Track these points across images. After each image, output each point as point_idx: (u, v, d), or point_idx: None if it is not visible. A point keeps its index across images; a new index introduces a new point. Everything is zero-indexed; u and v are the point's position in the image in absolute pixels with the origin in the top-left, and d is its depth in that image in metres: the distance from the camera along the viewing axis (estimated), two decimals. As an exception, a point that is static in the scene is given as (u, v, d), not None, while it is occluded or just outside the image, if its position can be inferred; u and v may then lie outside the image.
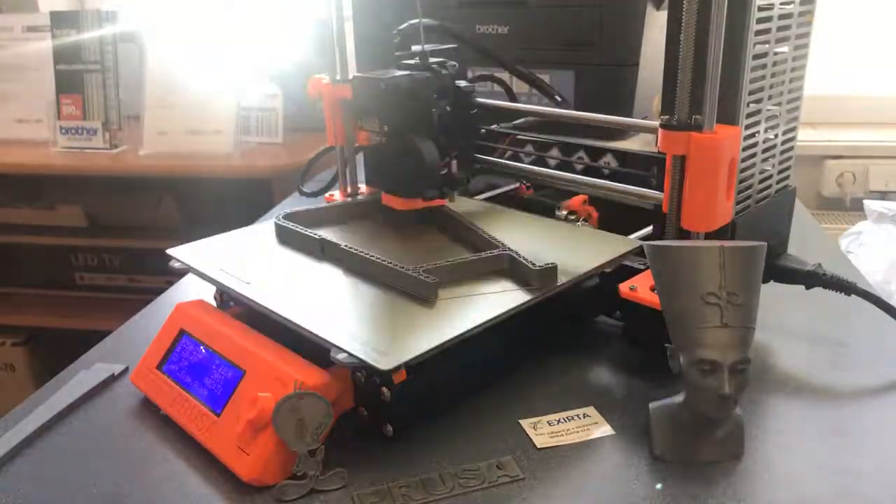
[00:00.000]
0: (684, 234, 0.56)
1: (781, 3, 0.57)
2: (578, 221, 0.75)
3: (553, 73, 0.88)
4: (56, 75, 1.49)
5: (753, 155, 0.60)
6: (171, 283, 0.80)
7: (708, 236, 0.56)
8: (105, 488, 0.48)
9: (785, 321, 0.66)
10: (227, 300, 0.64)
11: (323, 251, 0.63)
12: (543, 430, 0.52)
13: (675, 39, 0.54)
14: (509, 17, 0.89)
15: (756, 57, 0.55)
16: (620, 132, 0.80)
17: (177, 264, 0.63)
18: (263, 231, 0.69)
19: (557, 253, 0.59)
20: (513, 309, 0.53)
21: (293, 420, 0.46)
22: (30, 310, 1.62)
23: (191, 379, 0.55)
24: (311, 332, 0.51)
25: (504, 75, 0.84)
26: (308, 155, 0.87)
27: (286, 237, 0.66)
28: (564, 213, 0.75)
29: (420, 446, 0.51)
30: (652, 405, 0.51)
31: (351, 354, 0.47)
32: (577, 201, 0.77)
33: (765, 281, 0.61)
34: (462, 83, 0.69)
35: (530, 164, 0.74)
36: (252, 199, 1.30)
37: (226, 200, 1.39)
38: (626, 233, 0.65)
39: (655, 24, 0.85)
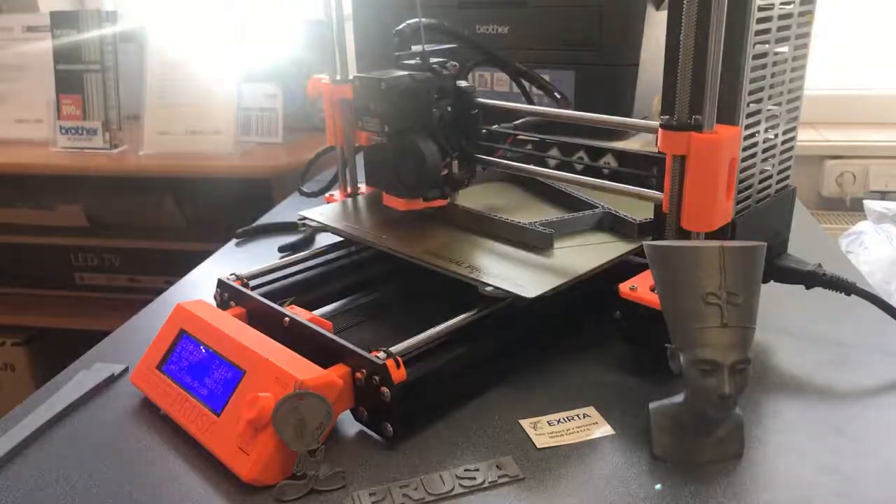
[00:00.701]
0: (684, 234, 0.56)
1: (781, 3, 0.57)
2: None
3: (553, 73, 0.88)
4: (56, 75, 1.49)
5: (753, 155, 0.59)
6: (171, 283, 0.80)
7: (708, 236, 0.55)
8: (105, 488, 0.48)
9: (785, 321, 0.66)
10: (228, 300, 0.64)
11: (436, 211, 0.68)
12: (543, 430, 0.52)
13: (675, 39, 0.54)
14: (509, 17, 0.89)
15: (756, 57, 0.55)
16: (620, 132, 0.80)
17: (312, 223, 0.71)
18: (375, 197, 0.76)
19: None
20: (622, 255, 0.61)
21: (293, 420, 0.47)
22: (30, 310, 1.62)
23: (191, 379, 0.55)
24: (453, 272, 0.57)
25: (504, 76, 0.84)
26: (308, 155, 0.87)
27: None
28: None
29: (420, 446, 0.51)
30: (652, 405, 0.51)
31: (497, 287, 0.54)
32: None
33: (765, 281, 0.61)
34: (463, 83, 0.69)
35: (530, 163, 0.74)
36: (252, 199, 1.30)
37: (226, 200, 1.39)
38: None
39: (655, 24, 0.85)
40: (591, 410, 0.54)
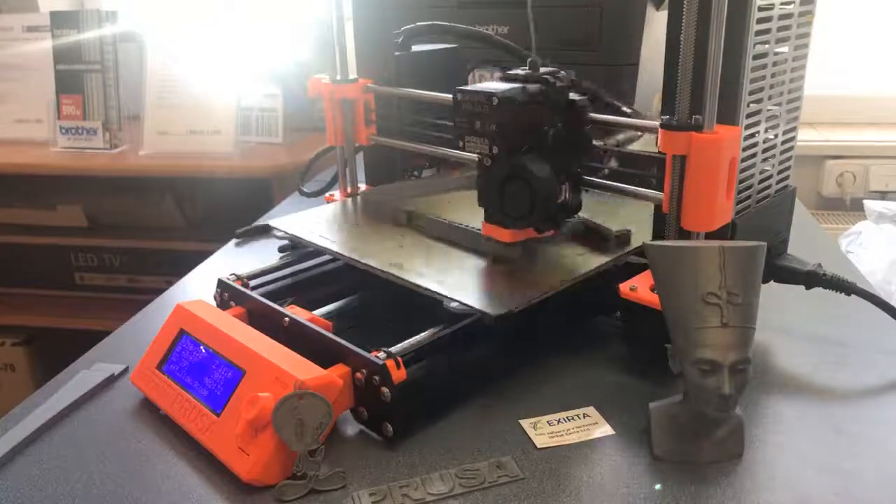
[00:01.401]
0: (684, 234, 0.56)
1: (781, 3, 0.57)
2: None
3: (553, 73, 0.88)
4: (56, 75, 1.49)
5: (753, 155, 0.60)
6: (171, 283, 0.80)
7: (708, 236, 0.55)
8: (105, 488, 0.48)
9: (785, 321, 0.66)
10: (228, 300, 0.65)
11: (409, 220, 0.67)
12: (543, 430, 0.52)
13: (675, 39, 0.54)
14: (509, 17, 0.89)
15: (756, 57, 0.55)
16: (620, 132, 0.80)
17: (279, 233, 0.69)
18: (349, 205, 0.75)
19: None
20: (594, 269, 0.58)
21: (293, 420, 0.46)
22: (30, 310, 1.62)
23: (191, 379, 0.55)
24: (419, 287, 0.55)
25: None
26: (308, 155, 0.88)
27: (371, 208, 0.72)
28: None
29: (420, 446, 0.51)
30: (652, 405, 0.51)
31: (462, 303, 0.52)
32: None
33: (765, 281, 0.61)
34: (576, 97, 0.60)
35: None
36: (252, 199, 1.30)
37: (226, 200, 1.39)
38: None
39: (655, 24, 0.85)
40: (591, 410, 0.54)
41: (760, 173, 0.61)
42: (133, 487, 0.48)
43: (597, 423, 0.53)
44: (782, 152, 0.64)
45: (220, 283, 0.65)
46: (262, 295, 0.62)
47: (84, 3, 1.87)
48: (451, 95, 0.61)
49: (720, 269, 0.46)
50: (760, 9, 0.54)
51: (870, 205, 1.47)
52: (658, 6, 0.86)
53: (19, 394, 1.00)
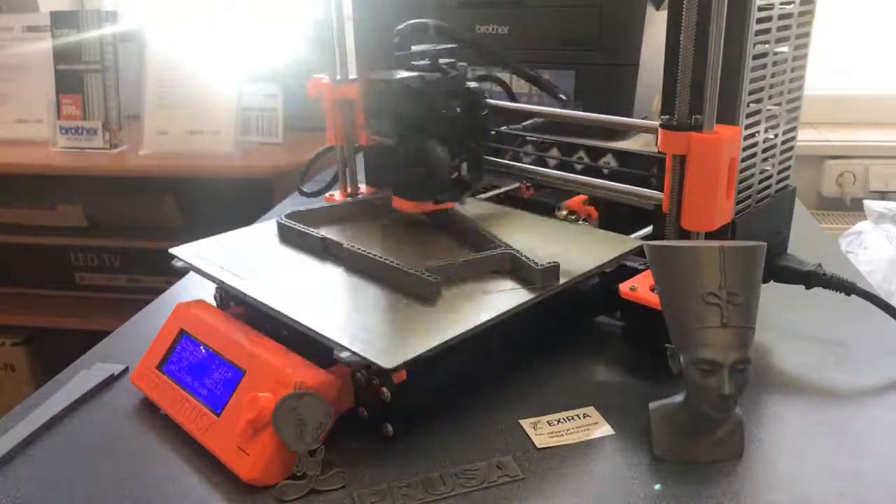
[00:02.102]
0: (684, 234, 0.56)
1: (781, 3, 0.57)
2: (579, 221, 0.75)
3: (553, 72, 0.88)
4: (56, 75, 1.49)
5: (753, 155, 0.59)
6: (171, 283, 0.80)
7: (708, 236, 0.56)
8: (105, 488, 0.48)
9: (785, 321, 0.66)
10: (228, 300, 0.64)
11: (326, 250, 0.63)
12: (543, 430, 0.52)
13: (675, 39, 0.54)
14: (509, 17, 0.89)
15: (756, 57, 0.55)
16: (620, 132, 0.80)
17: (179, 263, 0.63)
18: (265, 230, 0.69)
19: (560, 252, 0.59)
20: (515, 308, 0.53)
21: (293, 420, 0.46)
22: (30, 310, 1.62)
23: (191, 379, 0.55)
24: (313, 331, 0.51)
25: (504, 76, 0.84)
26: (308, 155, 0.87)
27: (289, 236, 0.66)
28: (564, 212, 0.75)
29: (420, 446, 0.51)
30: (652, 405, 0.51)
31: (354, 353, 0.47)
32: (576, 201, 0.77)
33: (765, 281, 0.61)
34: (473, 84, 0.68)
35: (532, 164, 0.74)
36: (252, 199, 1.30)
37: (226, 200, 1.39)
38: (627, 233, 0.65)
39: (655, 24, 0.85)
40: (591, 410, 0.54)
41: (760, 173, 0.61)
42: (133, 487, 0.48)
43: (597, 423, 0.53)
44: (782, 152, 0.64)
45: (220, 283, 0.65)
46: (262, 295, 0.62)
47: (84, 3, 1.87)
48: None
49: (720, 269, 0.46)
50: (760, 9, 0.54)
51: (870, 205, 1.47)
52: (658, 6, 0.86)
53: (19, 394, 1.00)
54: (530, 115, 0.78)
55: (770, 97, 0.60)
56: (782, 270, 0.63)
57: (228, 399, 0.51)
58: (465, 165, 0.69)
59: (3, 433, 0.53)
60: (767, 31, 0.56)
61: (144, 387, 0.57)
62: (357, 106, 0.75)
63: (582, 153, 0.73)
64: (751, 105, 0.57)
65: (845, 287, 0.61)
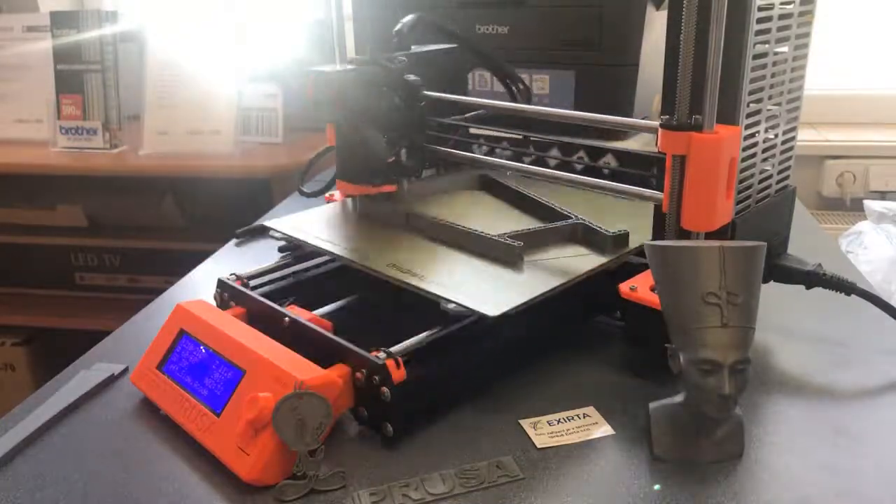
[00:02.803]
0: (684, 234, 0.56)
1: (781, 3, 0.57)
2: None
3: (553, 73, 0.88)
4: (56, 75, 1.49)
5: (753, 155, 0.59)
6: (170, 283, 0.80)
7: (708, 236, 0.55)
8: (105, 488, 0.48)
9: (785, 321, 0.66)
10: (228, 300, 0.64)
11: (408, 221, 0.68)
12: (543, 430, 0.52)
13: (675, 39, 0.54)
14: (509, 17, 0.89)
15: (756, 57, 0.55)
16: (620, 132, 0.80)
17: (276, 234, 0.71)
18: (348, 205, 0.76)
19: (618, 223, 0.65)
20: (592, 270, 0.59)
21: (293, 420, 0.47)
22: (30, 310, 1.62)
23: (191, 379, 0.55)
24: (417, 287, 0.56)
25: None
26: (308, 155, 0.87)
27: (369, 210, 0.73)
28: None
29: (420, 446, 0.51)
30: (652, 405, 0.51)
31: (459, 304, 0.52)
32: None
33: (765, 281, 0.61)
34: (410, 77, 0.71)
35: (528, 163, 0.73)
36: (252, 199, 1.30)
37: (226, 200, 1.39)
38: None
39: (655, 24, 0.85)
40: (591, 410, 0.54)
41: (760, 173, 0.61)
42: (133, 487, 0.48)
43: (597, 423, 0.53)
44: (782, 152, 0.64)
45: (220, 283, 0.65)
46: (262, 295, 0.62)
47: (84, 3, 1.87)
48: (451, 95, 0.67)
49: (720, 269, 0.46)
50: (760, 9, 0.54)
51: (870, 205, 1.47)
52: (658, 6, 0.86)
53: (19, 394, 1.00)
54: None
55: (770, 97, 0.59)
56: (782, 270, 0.63)
57: (228, 399, 0.51)
58: (403, 153, 0.73)
59: (3, 433, 0.53)
60: (767, 31, 0.56)
61: (144, 387, 0.57)
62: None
63: (582, 153, 0.73)
64: (751, 105, 0.57)
65: (845, 287, 0.61)
